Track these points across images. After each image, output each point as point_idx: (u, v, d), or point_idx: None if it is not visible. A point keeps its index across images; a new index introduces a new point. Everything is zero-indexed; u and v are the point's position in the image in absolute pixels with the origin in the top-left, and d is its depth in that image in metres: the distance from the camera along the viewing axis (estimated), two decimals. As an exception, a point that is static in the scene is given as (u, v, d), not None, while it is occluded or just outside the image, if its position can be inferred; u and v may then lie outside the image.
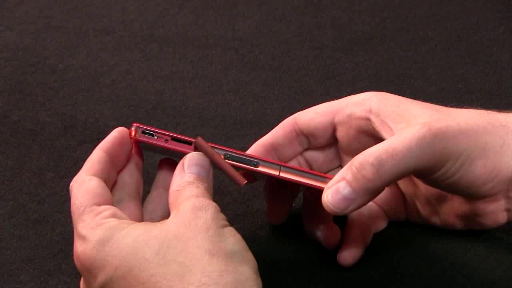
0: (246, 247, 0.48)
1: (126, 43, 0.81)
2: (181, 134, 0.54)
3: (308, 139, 0.59)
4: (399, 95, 0.57)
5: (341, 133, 0.58)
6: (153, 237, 0.47)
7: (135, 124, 0.54)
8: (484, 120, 0.54)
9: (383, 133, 0.55)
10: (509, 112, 0.56)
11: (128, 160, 0.55)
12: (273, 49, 0.80)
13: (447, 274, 0.58)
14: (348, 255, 0.58)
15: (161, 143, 0.53)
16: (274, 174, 0.54)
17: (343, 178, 0.52)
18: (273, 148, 0.59)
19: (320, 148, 0.60)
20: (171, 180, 0.52)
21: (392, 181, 0.52)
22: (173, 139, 0.54)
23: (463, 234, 0.60)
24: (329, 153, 0.60)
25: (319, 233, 0.58)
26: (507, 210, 0.56)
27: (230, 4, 0.86)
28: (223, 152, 0.54)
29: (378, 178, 0.51)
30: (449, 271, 0.59)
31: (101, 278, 0.48)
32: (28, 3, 0.85)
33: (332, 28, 0.83)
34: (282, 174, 0.54)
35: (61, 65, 0.78)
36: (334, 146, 0.60)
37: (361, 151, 0.53)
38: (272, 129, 0.60)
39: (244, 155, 0.54)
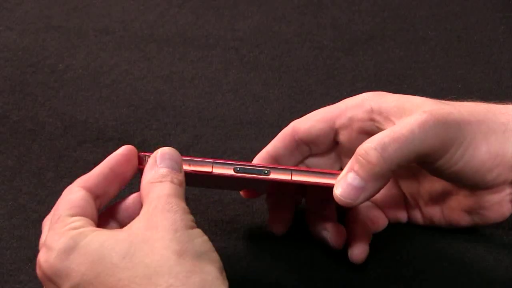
0: (213, 248, 0.48)
1: (126, 43, 0.81)
2: (185, 155, 0.54)
3: (309, 147, 0.59)
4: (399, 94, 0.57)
5: (343, 137, 0.58)
6: (120, 241, 0.47)
7: (142, 154, 0.54)
8: (485, 109, 0.55)
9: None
10: (508, 103, 0.56)
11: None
12: (273, 49, 0.80)
13: (447, 274, 0.58)
14: (360, 252, 0.58)
15: None
16: (286, 179, 0.54)
17: (350, 169, 0.52)
18: (274, 159, 0.59)
19: (321, 154, 0.60)
20: (143, 173, 0.52)
21: (398, 165, 0.52)
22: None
23: (463, 235, 0.60)
24: (330, 158, 0.60)
25: (326, 233, 0.58)
26: None
27: (230, 4, 0.86)
28: (233, 166, 0.54)
29: (383, 162, 0.51)
30: (449, 271, 0.59)
31: (66, 286, 0.47)
32: (28, 3, 0.85)
33: (332, 28, 0.83)
34: (294, 178, 0.54)
35: (61, 65, 0.78)
36: (334, 151, 0.60)
37: None
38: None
39: (254, 166, 0.54)
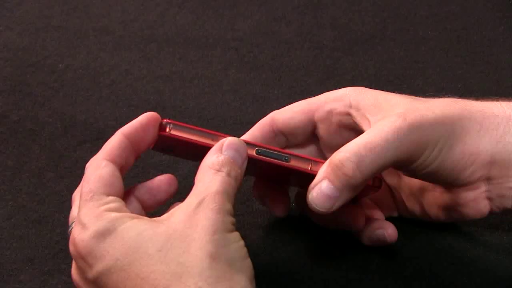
0: (247, 255, 0.48)
1: (126, 43, 0.81)
2: (212, 130, 0.54)
3: (286, 138, 0.59)
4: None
5: (322, 130, 0.58)
6: (158, 234, 0.47)
7: (166, 120, 0.54)
8: (460, 107, 0.54)
9: (363, 126, 0.55)
10: (486, 100, 0.56)
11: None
12: (273, 49, 0.80)
13: (447, 274, 0.58)
14: (392, 229, 0.58)
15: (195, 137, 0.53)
16: (305, 169, 0.54)
17: (325, 177, 0.52)
18: None
19: (299, 145, 0.60)
20: (206, 155, 0.51)
21: (373, 175, 0.53)
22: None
23: (463, 235, 0.60)
24: (310, 150, 0.60)
25: (344, 217, 0.57)
26: (489, 198, 0.55)
27: (230, 4, 0.86)
28: (255, 148, 0.54)
29: (359, 173, 0.51)
30: (449, 271, 0.59)
31: (98, 267, 0.48)
32: (28, 3, 0.85)
33: (332, 28, 0.83)
34: (313, 168, 0.54)
35: (61, 65, 0.78)
36: (314, 143, 0.60)
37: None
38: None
39: (276, 150, 0.54)
